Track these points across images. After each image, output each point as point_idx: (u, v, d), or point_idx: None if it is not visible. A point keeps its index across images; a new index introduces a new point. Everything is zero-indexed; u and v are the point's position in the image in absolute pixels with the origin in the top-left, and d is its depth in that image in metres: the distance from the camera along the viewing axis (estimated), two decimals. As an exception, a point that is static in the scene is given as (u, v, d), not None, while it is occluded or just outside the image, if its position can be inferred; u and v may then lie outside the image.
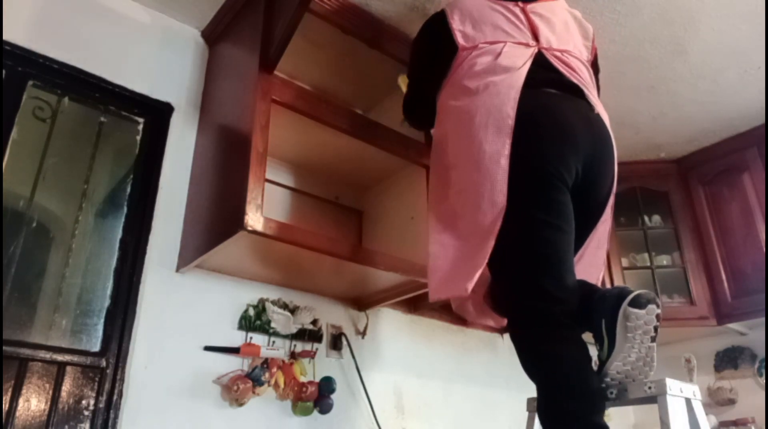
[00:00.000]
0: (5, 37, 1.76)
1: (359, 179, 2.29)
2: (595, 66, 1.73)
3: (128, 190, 1.90)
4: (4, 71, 1.76)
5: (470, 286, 1.38)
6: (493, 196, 1.39)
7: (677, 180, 3.05)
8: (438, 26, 1.68)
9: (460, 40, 1.60)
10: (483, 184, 1.41)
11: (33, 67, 1.82)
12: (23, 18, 1.83)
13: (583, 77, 1.56)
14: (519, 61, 1.51)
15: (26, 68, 1.80)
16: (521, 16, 1.61)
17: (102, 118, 1.94)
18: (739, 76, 2.50)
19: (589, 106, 1.51)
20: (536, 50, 1.55)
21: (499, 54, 1.53)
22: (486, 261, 1.37)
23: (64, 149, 1.84)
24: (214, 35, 2.19)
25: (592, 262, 1.59)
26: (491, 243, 1.37)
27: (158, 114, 2.03)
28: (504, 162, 1.39)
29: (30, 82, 1.81)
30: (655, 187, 3.06)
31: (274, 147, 1.84)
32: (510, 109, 1.42)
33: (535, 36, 1.58)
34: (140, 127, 2.00)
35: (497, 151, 1.40)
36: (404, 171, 2.17)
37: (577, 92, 1.51)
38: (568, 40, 1.63)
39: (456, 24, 1.63)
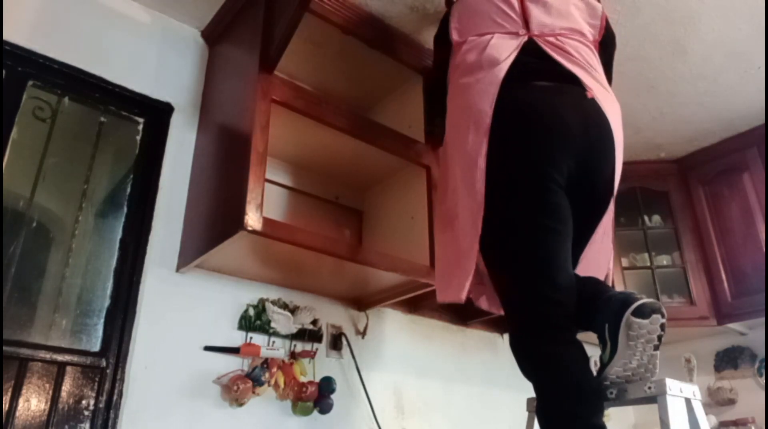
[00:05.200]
0: (5, 37, 1.76)
1: (359, 179, 2.29)
2: (606, 43, 1.68)
3: (128, 190, 1.90)
4: (4, 71, 1.76)
5: (463, 295, 1.39)
6: (474, 195, 1.38)
7: (677, 180, 3.05)
8: (442, 24, 1.69)
9: (454, 36, 1.60)
10: (466, 185, 1.41)
11: (33, 67, 1.82)
12: (23, 18, 1.83)
13: (580, 59, 1.51)
14: (504, 53, 1.48)
15: (26, 68, 1.80)
16: (515, 3, 1.58)
17: (102, 118, 1.94)
18: (739, 76, 2.50)
19: (583, 92, 1.45)
20: (526, 39, 1.51)
21: (485, 47, 1.51)
22: (473, 265, 1.38)
23: (64, 149, 1.84)
24: (214, 35, 2.19)
25: (600, 249, 1.57)
26: (476, 245, 1.37)
27: (158, 114, 2.03)
28: (481, 161, 1.38)
29: (30, 82, 1.81)
30: (655, 187, 3.06)
31: (274, 147, 1.84)
32: (488, 107, 1.40)
33: (527, 23, 1.54)
34: (140, 127, 2.00)
35: (475, 151, 1.40)
36: (404, 171, 2.17)
37: (571, 79, 1.47)
38: (566, 21, 1.58)
39: (453, 21, 1.62)
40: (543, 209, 1.36)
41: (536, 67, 1.47)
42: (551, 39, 1.53)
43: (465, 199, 1.42)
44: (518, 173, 1.38)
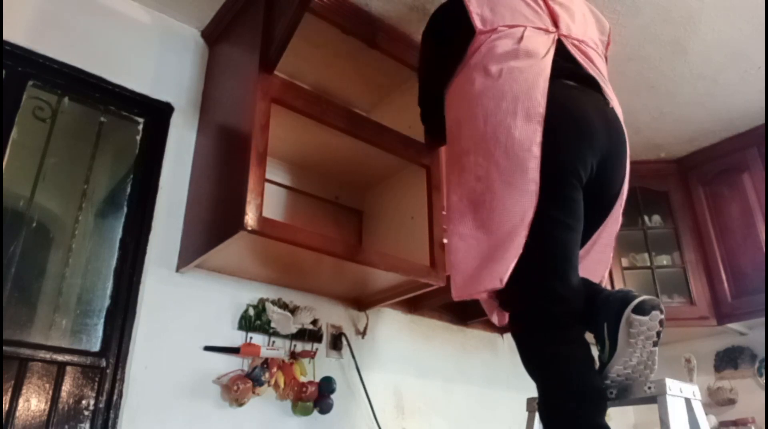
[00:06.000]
0: (5, 37, 1.76)
1: (359, 179, 2.29)
2: (606, 60, 1.70)
3: (128, 190, 1.90)
4: (4, 71, 1.76)
5: (505, 277, 1.31)
6: (525, 184, 1.34)
7: (677, 180, 3.05)
8: (454, 9, 1.64)
9: (477, 23, 1.56)
10: (512, 171, 1.36)
11: (33, 67, 1.82)
12: (23, 18, 1.83)
13: (600, 69, 1.54)
14: (542, 48, 1.47)
15: (26, 68, 1.80)
16: (540, 1, 1.59)
17: (102, 118, 1.94)
18: (739, 76, 2.50)
19: (605, 101, 1.49)
20: (556, 37, 1.52)
21: (521, 38, 1.49)
22: (519, 253, 1.32)
23: (64, 149, 1.84)
24: (214, 35, 2.19)
25: (600, 259, 1.57)
26: (524, 233, 1.32)
27: (158, 114, 2.03)
28: (536, 149, 1.34)
29: (30, 82, 1.81)
30: (655, 187, 3.06)
31: (274, 147, 1.84)
32: (540, 97, 1.38)
33: (555, 22, 1.55)
34: (140, 127, 2.00)
35: (528, 138, 1.35)
36: (404, 171, 2.17)
37: (593, 85, 1.49)
38: (585, 30, 1.61)
39: (473, 7, 1.59)
40: (564, 205, 1.35)
41: (564, 66, 1.47)
42: (575, 42, 1.54)
43: (507, 186, 1.36)
44: (556, 167, 1.36)
